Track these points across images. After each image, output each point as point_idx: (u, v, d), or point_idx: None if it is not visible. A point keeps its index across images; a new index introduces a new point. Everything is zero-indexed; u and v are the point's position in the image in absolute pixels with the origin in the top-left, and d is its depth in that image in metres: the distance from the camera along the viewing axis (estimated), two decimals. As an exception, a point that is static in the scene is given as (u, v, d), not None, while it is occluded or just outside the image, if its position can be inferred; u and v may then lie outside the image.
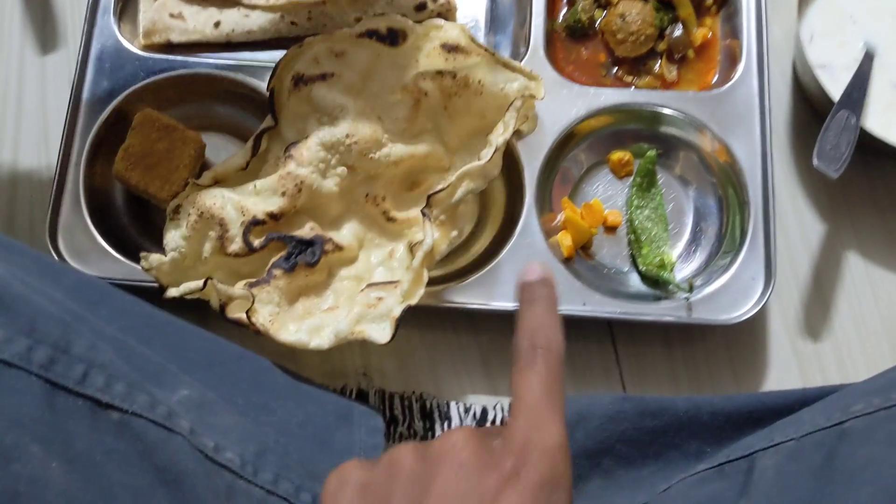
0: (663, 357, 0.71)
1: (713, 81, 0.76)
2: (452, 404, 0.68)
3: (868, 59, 0.73)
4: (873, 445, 0.55)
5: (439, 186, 0.64)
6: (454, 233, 0.64)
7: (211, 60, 0.74)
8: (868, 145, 0.72)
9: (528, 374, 0.42)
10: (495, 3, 0.79)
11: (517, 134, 0.72)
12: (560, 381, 0.43)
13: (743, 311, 0.67)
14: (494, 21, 0.78)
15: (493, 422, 0.68)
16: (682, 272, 0.71)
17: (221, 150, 0.74)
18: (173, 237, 0.64)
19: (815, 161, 0.66)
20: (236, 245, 0.64)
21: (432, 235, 0.62)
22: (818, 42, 0.75)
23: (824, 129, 0.68)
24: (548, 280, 0.47)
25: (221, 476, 0.48)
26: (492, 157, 0.65)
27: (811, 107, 0.77)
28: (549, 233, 0.71)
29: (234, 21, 0.75)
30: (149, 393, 0.47)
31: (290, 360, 0.67)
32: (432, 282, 0.69)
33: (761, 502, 0.55)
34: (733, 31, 0.76)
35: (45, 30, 0.80)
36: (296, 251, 0.64)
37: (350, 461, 0.42)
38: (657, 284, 0.70)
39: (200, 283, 0.63)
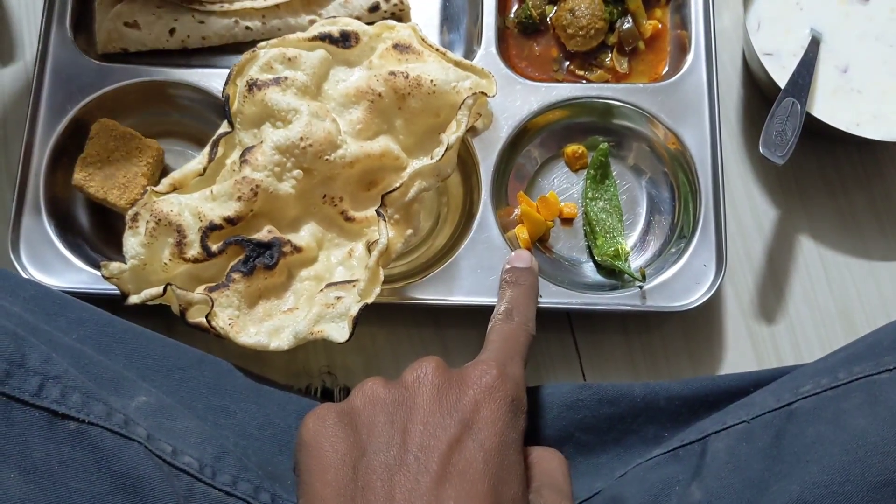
0: (621, 344, 0.72)
1: (664, 72, 0.77)
2: (415, 399, 0.69)
3: (814, 45, 0.75)
4: (820, 425, 0.56)
5: (393, 186, 0.65)
6: (409, 231, 0.66)
7: (167, 68, 0.74)
8: (817, 130, 0.73)
9: (502, 326, 0.48)
10: (448, 2, 0.80)
11: (472, 131, 0.73)
12: (527, 343, 0.50)
13: (695, 297, 0.69)
14: (448, 20, 0.79)
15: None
16: (637, 261, 0.73)
17: (180, 156, 0.75)
18: (132, 245, 0.65)
19: (761, 148, 0.67)
20: (194, 250, 0.64)
21: (387, 235, 0.63)
22: (765, 29, 0.76)
23: (770, 116, 0.69)
24: (533, 270, 0.54)
25: (180, 479, 0.49)
26: (444, 156, 0.66)
27: (760, 93, 0.78)
28: (506, 227, 0.72)
29: (189, 28, 0.76)
30: (105, 402, 0.48)
31: (256, 361, 0.68)
32: (394, 279, 0.71)
33: (713, 483, 0.57)
34: (682, 22, 0.77)
35: (0, 43, 0.80)
36: (254, 255, 0.65)
37: (322, 404, 0.45)
38: (613, 274, 0.72)
39: (160, 289, 0.64)
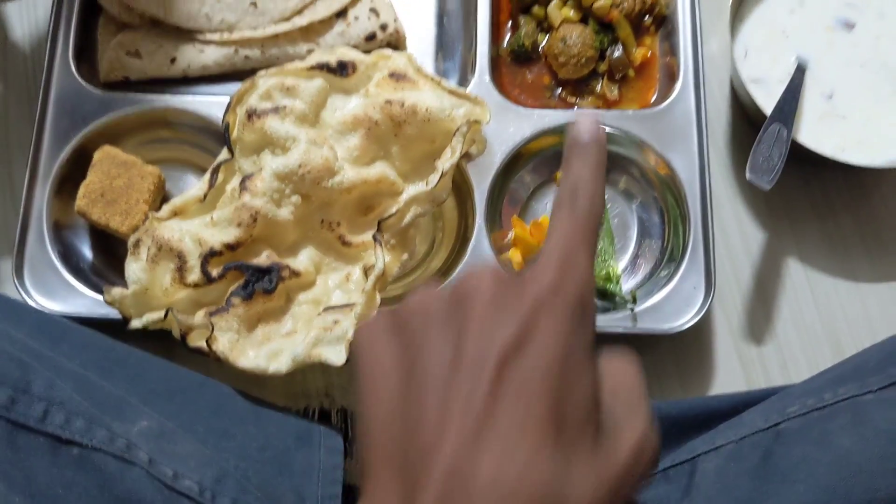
0: (614, 366, 0.74)
1: (653, 99, 0.79)
2: (411, 420, 0.70)
3: (800, 72, 0.77)
4: (806, 445, 0.58)
5: (389, 212, 0.67)
6: (405, 255, 0.67)
7: (168, 96, 0.76)
8: (803, 156, 0.75)
9: (565, 213, 0.40)
10: (443, 31, 0.82)
11: (467, 156, 0.75)
12: (595, 230, 0.41)
13: (685, 320, 0.70)
14: (443, 48, 0.81)
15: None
16: (628, 284, 0.74)
17: (181, 183, 0.76)
18: (134, 270, 0.67)
19: (749, 174, 0.69)
20: (195, 275, 0.66)
21: (383, 259, 0.65)
22: (752, 57, 0.78)
23: (757, 142, 0.71)
24: (601, 143, 0.44)
25: (181, 503, 0.51)
26: (438, 182, 0.67)
27: (748, 119, 0.80)
28: (500, 250, 0.74)
29: (190, 57, 0.78)
30: (108, 427, 0.50)
31: (255, 384, 0.69)
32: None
33: (702, 503, 0.58)
34: (671, 50, 0.79)
35: (4, 72, 0.82)
36: (253, 279, 0.66)
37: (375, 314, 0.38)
38: (605, 296, 0.73)
39: (161, 313, 0.65)
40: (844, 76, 0.78)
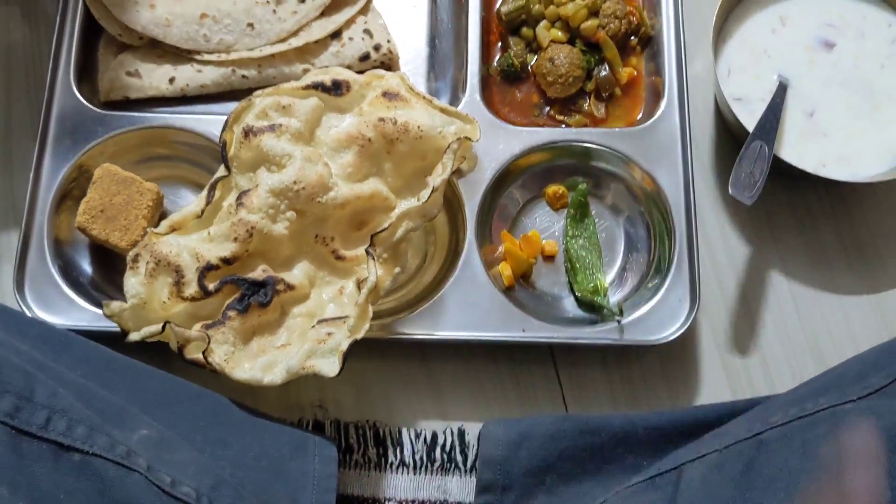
0: (602, 377, 0.75)
1: (639, 117, 0.81)
2: (404, 430, 0.72)
3: (781, 91, 0.79)
4: (788, 454, 0.59)
5: (382, 227, 0.69)
6: (397, 269, 0.69)
7: (166, 114, 0.78)
8: (786, 171, 0.77)
9: None
10: (435, 51, 0.84)
11: (458, 173, 0.77)
12: None
13: (671, 331, 0.72)
14: (434, 68, 0.83)
15: (444, 447, 0.72)
16: (615, 296, 0.76)
17: (179, 199, 0.78)
18: (133, 284, 0.68)
19: (731, 189, 0.71)
20: (192, 289, 0.68)
21: (375, 273, 0.66)
22: (735, 76, 0.81)
23: (739, 158, 0.73)
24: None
25: (178, 508, 0.52)
26: (429, 198, 0.69)
27: (732, 137, 0.82)
28: (491, 264, 0.76)
29: (188, 76, 0.80)
30: (108, 434, 0.51)
31: (251, 395, 0.71)
32: (383, 314, 0.74)
33: (687, 510, 0.60)
34: (657, 69, 0.81)
35: (8, 91, 0.84)
36: (249, 293, 0.68)
37: None
38: (593, 309, 0.75)
39: (159, 326, 0.67)
40: (825, 94, 0.80)
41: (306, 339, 0.67)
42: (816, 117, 0.79)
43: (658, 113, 0.78)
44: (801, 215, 0.81)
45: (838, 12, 0.83)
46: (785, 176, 0.78)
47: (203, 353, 0.66)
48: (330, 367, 0.65)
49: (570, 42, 0.81)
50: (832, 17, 0.83)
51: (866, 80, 0.81)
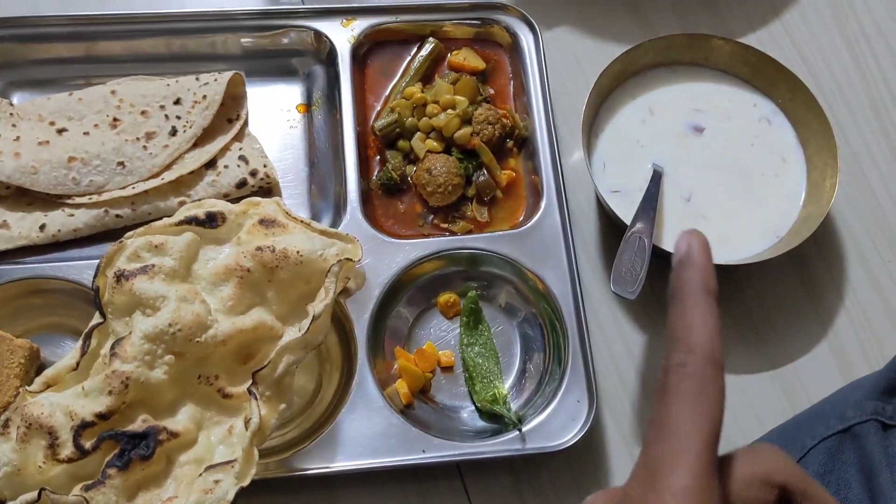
0: (511, 486, 0.73)
1: (522, 217, 0.81)
2: (309, 571, 0.69)
3: (657, 179, 0.80)
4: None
5: (261, 364, 0.66)
6: (282, 406, 0.66)
7: (38, 264, 0.76)
8: (670, 259, 0.77)
9: (671, 398, 0.40)
10: (314, 170, 0.83)
11: (346, 293, 0.76)
12: (713, 430, 0.42)
13: (571, 435, 0.71)
14: (316, 187, 0.83)
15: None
16: (516, 401, 0.75)
17: (60, 349, 0.75)
18: (5, 451, 0.65)
19: (612, 286, 0.71)
20: (68, 451, 0.64)
21: (258, 414, 0.64)
22: (610, 168, 0.82)
23: (619, 253, 0.73)
24: (696, 263, 0.44)
25: None
26: (310, 326, 0.67)
27: (616, 228, 0.83)
28: (387, 383, 0.74)
29: (60, 222, 0.77)
30: None
31: (144, 551, 0.67)
32: (281, 448, 0.71)
33: None
34: (535, 169, 0.82)
35: None
36: (129, 447, 0.65)
37: None
38: (494, 418, 0.73)
39: (35, 494, 0.63)
40: (700, 178, 0.82)
41: (193, 490, 0.64)
42: (694, 201, 0.81)
43: (539, 213, 0.79)
44: (693, 297, 0.81)
45: (704, 97, 0.86)
46: (670, 263, 0.78)
47: (82, 518, 0.62)
48: (217, 518, 0.61)
49: (447, 151, 0.82)
50: (699, 102, 0.85)
51: (738, 160, 0.83)
